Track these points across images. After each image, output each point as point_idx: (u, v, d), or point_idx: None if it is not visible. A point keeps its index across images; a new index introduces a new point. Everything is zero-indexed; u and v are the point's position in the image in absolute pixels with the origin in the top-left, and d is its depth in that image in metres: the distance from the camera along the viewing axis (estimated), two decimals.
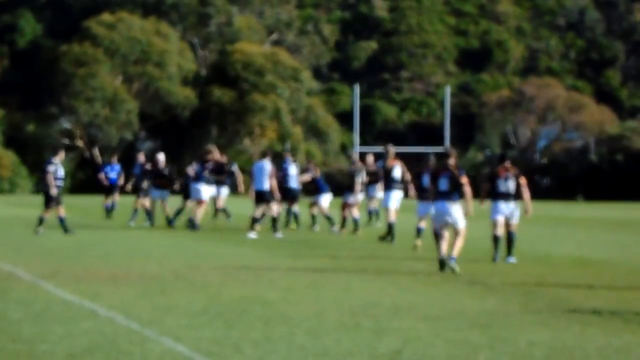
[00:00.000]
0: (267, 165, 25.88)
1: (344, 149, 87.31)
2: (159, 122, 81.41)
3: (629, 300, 13.28)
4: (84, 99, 76.24)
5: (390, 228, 23.88)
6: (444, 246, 17.07)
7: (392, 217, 24.17)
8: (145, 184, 29.77)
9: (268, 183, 25.68)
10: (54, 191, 24.95)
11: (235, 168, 32.21)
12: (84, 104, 76.21)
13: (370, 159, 28.81)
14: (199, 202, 27.91)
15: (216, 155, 28.91)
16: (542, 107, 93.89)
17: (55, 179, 25.07)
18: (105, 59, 77.71)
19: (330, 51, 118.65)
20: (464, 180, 17.25)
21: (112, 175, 34.49)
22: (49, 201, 25.09)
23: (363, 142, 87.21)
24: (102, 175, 34.67)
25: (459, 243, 17.05)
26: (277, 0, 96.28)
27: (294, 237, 25.48)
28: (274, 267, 17.20)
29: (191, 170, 29.03)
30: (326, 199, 28.67)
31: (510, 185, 19.18)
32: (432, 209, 17.81)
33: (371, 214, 30.03)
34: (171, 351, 9.31)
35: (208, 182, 28.10)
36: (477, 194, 18.59)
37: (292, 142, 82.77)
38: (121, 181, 34.14)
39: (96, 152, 79.01)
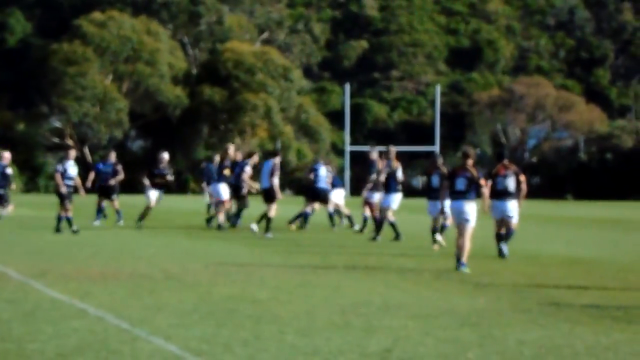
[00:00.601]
0: (271, 163, 25.92)
1: (335, 148, 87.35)
2: (150, 121, 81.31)
3: (618, 299, 13.30)
4: (74, 98, 76.07)
5: (384, 226, 24.04)
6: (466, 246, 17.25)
7: (391, 216, 24.21)
8: (146, 182, 29.06)
9: (270, 181, 25.69)
10: (63, 190, 25.05)
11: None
12: (74, 102, 76.01)
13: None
14: (220, 202, 27.83)
15: (231, 153, 28.54)
16: (531, 106, 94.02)
17: (65, 178, 25.20)
18: (96, 57, 77.58)
19: (320, 50, 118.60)
20: (482, 182, 17.51)
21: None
22: (63, 199, 25.11)
23: (354, 141, 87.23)
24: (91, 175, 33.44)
25: (468, 245, 17.13)
26: None
27: (285, 236, 25.45)
28: (264, 266, 17.18)
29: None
30: (340, 194, 28.93)
31: (510, 183, 19.38)
32: (449, 207, 18.03)
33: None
34: (161, 350, 9.29)
35: (227, 181, 27.79)
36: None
37: (283, 141, 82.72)
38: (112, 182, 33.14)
39: (86, 150, 78.89)
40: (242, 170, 27.63)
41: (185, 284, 14.42)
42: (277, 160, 26.19)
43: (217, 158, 29.47)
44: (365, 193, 25.82)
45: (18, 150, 76.36)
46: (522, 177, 19.61)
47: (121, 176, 30.71)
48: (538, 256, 19.55)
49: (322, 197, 27.90)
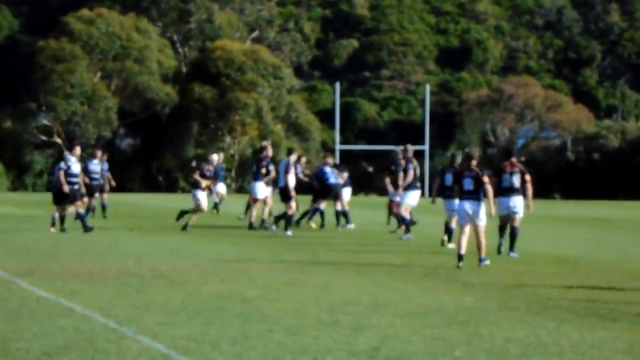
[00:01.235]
0: (286, 161, 25.99)
1: (325, 146, 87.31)
2: (139, 119, 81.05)
3: (604, 297, 13.32)
4: (63, 95, 75.72)
5: (404, 221, 24.18)
6: (464, 242, 17.46)
7: (407, 212, 24.32)
8: (201, 182, 27.93)
9: (285, 180, 25.68)
10: (65, 189, 24.85)
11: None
12: (62, 100, 75.71)
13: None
14: (255, 200, 27.71)
15: (270, 152, 28.09)
16: (520, 106, 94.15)
17: (69, 175, 25.08)
18: (84, 55, 77.23)
19: (311, 49, 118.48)
20: (486, 179, 17.72)
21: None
22: (60, 199, 25.01)
23: (344, 141, 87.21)
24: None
25: (483, 241, 17.58)
26: None
27: (274, 235, 25.41)
28: (253, 264, 17.17)
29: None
30: (347, 193, 28.96)
31: (515, 180, 19.67)
32: (457, 206, 18.36)
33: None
34: (148, 349, 9.26)
35: (264, 179, 27.50)
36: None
37: (273, 140, 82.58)
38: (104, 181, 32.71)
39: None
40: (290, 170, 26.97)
41: (173, 282, 14.39)
42: (293, 158, 26.25)
43: (214, 157, 29.05)
44: (394, 194, 25.47)
45: (5, 148, 76.24)
46: (528, 177, 19.90)
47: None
48: (525, 255, 19.55)
49: (333, 193, 27.61)
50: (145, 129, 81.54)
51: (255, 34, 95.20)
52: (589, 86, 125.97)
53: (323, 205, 27.73)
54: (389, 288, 14.15)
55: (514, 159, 20.17)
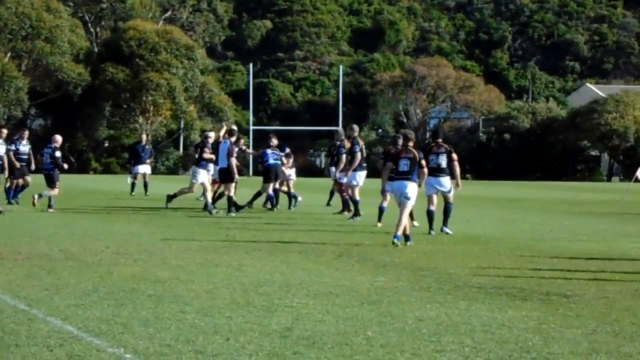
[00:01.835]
0: (228, 143, 25.84)
1: (239, 127, 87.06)
2: (50, 99, 79.81)
3: (513, 277, 13.50)
4: None
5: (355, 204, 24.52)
6: (405, 224, 17.82)
7: (357, 195, 24.56)
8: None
9: (228, 161, 25.58)
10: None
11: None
12: None
13: None
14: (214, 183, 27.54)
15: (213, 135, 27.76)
16: (432, 87, 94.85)
17: (17, 154, 27.89)
18: None
19: (224, 29, 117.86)
20: (423, 162, 18.28)
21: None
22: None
23: (258, 121, 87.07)
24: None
25: (404, 221, 17.73)
26: None
27: (188, 216, 25.27)
28: (166, 246, 17.04)
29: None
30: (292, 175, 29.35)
31: (442, 161, 20.16)
32: (392, 187, 18.52)
33: None
34: (59, 330, 9.14)
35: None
36: (376, 172, 18.67)
37: (186, 120, 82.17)
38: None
39: None
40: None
41: (85, 264, 14.23)
42: (233, 139, 26.07)
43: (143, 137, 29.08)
44: (338, 174, 25.57)
45: None
46: (455, 156, 20.45)
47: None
48: (437, 235, 19.73)
49: (273, 173, 27.19)
50: (57, 110, 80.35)
51: (168, 14, 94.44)
52: (500, 67, 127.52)
53: (270, 189, 27.36)
54: (302, 268, 14.16)
55: (439, 140, 20.77)
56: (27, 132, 29.85)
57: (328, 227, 21.85)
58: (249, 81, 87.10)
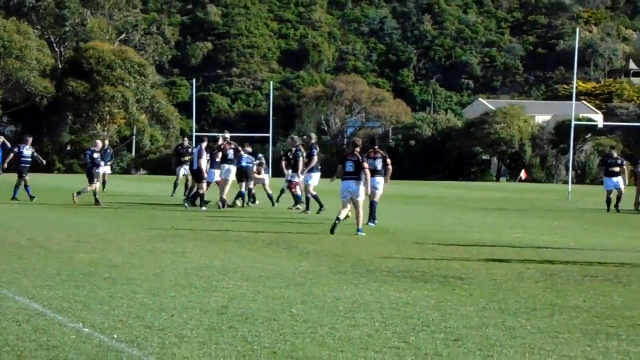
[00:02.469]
0: (200, 148, 25.71)
1: (184, 134, 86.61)
2: (20, 109, 78.74)
3: (417, 263, 13.60)
4: None
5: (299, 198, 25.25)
6: (344, 214, 18.32)
7: (313, 191, 24.61)
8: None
9: (198, 163, 25.44)
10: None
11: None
12: None
13: None
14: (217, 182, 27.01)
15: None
16: (350, 100, 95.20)
17: (22, 157, 27.90)
18: None
19: (171, 50, 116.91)
20: (365, 165, 18.44)
21: None
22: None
23: (200, 129, 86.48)
24: None
25: (361, 214, 18.26)
26: (125, 5, 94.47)
27: (139, 210, 25.04)
28: (121, 236, 16.88)
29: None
30: (267, 178, 29.02)
31: (378, 164, 20.66)
32: (341, 186, 18.73)
33: None
34: (26, 308, 9.02)
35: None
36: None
37: (138, 128, 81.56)
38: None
39: None
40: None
41: (50, 251, 14.04)
42: (204, 145, 25.82)
43: (99, 142, 28.61)
44: (294, 175, 25.47)
45: None
46: (389, 161, 21.08)
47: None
48: (353, 227, 19.79)
49: (244, 174, 26.79)
50: (26, 118, 79.47)
51: (123, 36, 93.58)
52: (407, 84, 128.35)
53: (244, 187, 27.01)
54: (237, 255, 14.13)
55: (376, 147, 21.15)
56: (31, 139, 29.70)
57: (260, 219, 21.82)
58: (192, 94, 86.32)
